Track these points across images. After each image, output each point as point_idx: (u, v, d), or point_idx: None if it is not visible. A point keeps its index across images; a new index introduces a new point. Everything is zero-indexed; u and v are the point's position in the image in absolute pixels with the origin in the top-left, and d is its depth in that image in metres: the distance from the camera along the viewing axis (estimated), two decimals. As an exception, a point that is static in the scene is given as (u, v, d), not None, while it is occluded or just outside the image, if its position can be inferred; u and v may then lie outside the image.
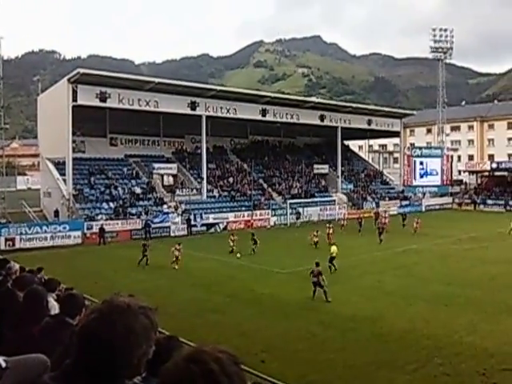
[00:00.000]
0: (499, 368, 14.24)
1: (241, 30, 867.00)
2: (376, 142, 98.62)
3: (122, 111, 49.37)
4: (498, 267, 28.25)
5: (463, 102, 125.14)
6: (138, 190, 50.19)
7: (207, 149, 56.27)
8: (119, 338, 1.63)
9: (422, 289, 23.94)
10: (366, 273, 27.76)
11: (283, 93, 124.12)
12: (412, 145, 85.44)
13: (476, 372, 13.98)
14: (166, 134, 60.06)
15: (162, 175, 53.82)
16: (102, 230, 41.48)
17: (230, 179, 58.87)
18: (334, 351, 15.78)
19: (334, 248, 29.39)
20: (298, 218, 53.33)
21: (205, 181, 53.58)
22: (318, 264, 23.05)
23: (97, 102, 46.37)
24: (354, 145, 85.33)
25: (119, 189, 49.59)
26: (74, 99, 45.14)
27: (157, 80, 50.37)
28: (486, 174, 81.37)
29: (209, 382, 1.34)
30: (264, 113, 58.35)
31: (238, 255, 32.05)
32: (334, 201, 59.44)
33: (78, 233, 41.20)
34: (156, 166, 53.52)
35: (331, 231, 39.24)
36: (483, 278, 25.70)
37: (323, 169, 67.09)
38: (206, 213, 49.50)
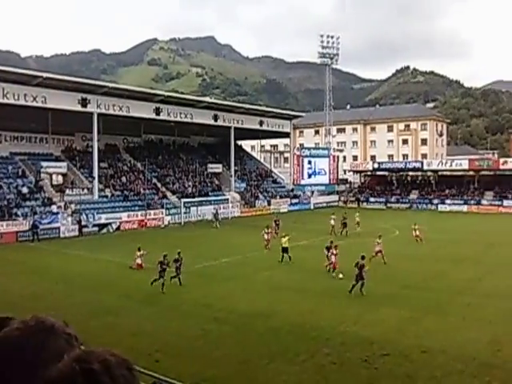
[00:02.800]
0: (380, 354, 15.11)
1: (135, 26, 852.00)
2: (268, 142, 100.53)
3: (7, 106, 46.43)
4: (378, 259, 29.66)
5: (348, 106, 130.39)
6: (24, 190, 47.59)
7: (99, 147, 54.60)
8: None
9: (312, 283, 24.77)
10: (259, 269, 28.24)
11: (177, 92, 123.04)
12: (301, 145, 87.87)
13: (360, 359, 14.73)
14: (54, 132, 56.92)
15: (51, 174, 51.42)
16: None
17: (123, 178, 57.62)
18: (228, 347, 15.97)
19: (284, 239, 30.56)
20: (216, 219, 50.93)
21: (96, 180, 52.00)
22: (363, 257, 23.51)
23: (-21, 97, 43.77)
24: (246, 145, 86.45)
25: (4, 188, 46.94)
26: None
27: (45, 75, 48.07)
28: (369, 173, 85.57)
29: (89, 382, 1.32)
30: (158, 111, 57.66)
31: (341, 276, 25.23)
32: (228, 199, 59.91)
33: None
34: (44, 164, 50.90)
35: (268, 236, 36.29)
36: (367, 271, 26.89)
37: (217, 168, 67.38)
38: (97, 213, 48.02)
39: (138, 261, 28.55)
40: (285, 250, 30.21)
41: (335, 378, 13.61)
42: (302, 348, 15.70)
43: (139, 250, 28.88)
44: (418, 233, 37.71)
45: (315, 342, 16.30)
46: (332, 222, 43.53)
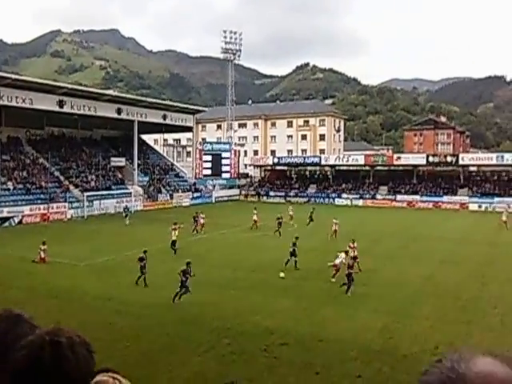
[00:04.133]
0: (278, 343, 15.51)
1: (37, 16, 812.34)
2: (170, 137, 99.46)
3: None
4: (278, 253, 30.38)
5: (250, 101, 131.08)
6: None
7: (1, 140, 52.04)
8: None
9: (213, 275, 24.87)
10: (161, 262, 28.10)
11: (81, 84, 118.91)
12: (204, 140, 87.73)
13: (259, 349, 15.02)
14: (-47, 124, 53.58)
15: None
16: None
17: (26, 171, 55.15)
18: (130, 339, 15.85)
19: (174, 232, 31.04)
20: (126, 216, 46.34)
21: (-3, 172, 49.49)
22: (297, 237, 27.05)
23: None
24: (149, 138, 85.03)
25: None
26: None
27: None
28: (269, 168, 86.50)
29: (55, 352, 1.46)
30: (61, 104, 55.49)
31: (282, 275, 24.58)
32: (131, 193, 58.96)
33: None
34: None
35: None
36: (265, 263, 27.64)
37: (120, 161, 65.92)
38: (-1, 206, 45.80)
39: (42, 254, 27.69)
40: (173, 243, 30.89)
41: (236, 367, 13.79)
42: (204, 339, 15.84)
43: (44, 243, 28.03)
44: (336, 227, 36.84)
45: (216, 332, 16.48)
46: (255, 217, 42.69)
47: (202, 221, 40.38)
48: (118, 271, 26.01)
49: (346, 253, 23.91)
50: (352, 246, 26.26)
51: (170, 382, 12.87)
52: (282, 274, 24.34)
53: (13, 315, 1.79)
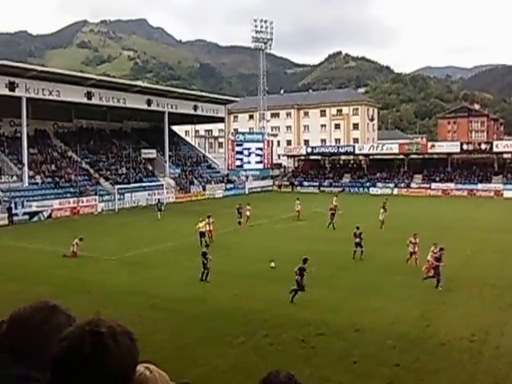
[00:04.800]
0: (315, 333, 15.61)
1: (63, 7, 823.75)
2: (202, 128, 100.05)
3: None
4: (314, 243, 30.34)
5: (282, 91, 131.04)
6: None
7: (28, 133, 52.72)
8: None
9: (246, 267, 25.02)
10: (192, 255, 28.16)
11: (109, 76, 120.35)
12: (236, 130, 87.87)
13: (296, 339, 15.15)
14: (-21, 117, 54.32)
15: (-23, 161, 49.36)
16: None
17: (54, 165, 55.97)
18: (165, 332, 16.01)
19: (201, 224, 31.14)
20: (159, 210, 45.19)
21: (26, 167, 50.20)
22: (358, 227, 26.98)
23: None
24: (180, 130, 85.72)
25: None
26: None
27: (-32, 57, 45.77)
28: (302, 157, 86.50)
29: (95, 342, 1.47)
30: (89, 96, 56.09)
31: (273, 264, 24.86)
32: (162, 185, 59.37)
33: None
34: (-30, 151, 48.59)
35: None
36: (301, 254, 27.37)
37: (151, 153, 66.54)
38: (28, 200, 46.46)
39: (74, 248, 27.90)
40: (202, 234, 30.84)
41: (273, 357, 13.87)
42: (240, 331, 15.95)
43: (81, 239, 28.17)
44: (383, 217, 36.45)
45: (252, 324, 16.58)
46: (298, 207, 42.62)
47: (248, 213, 39.59)
48: (150, 265, 26.19)
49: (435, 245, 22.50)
50: (414, 240, 25.04)
51: (208, 374, 12.94)
52: (272, 264, 24.60)
53: (48, 306, 1.86)
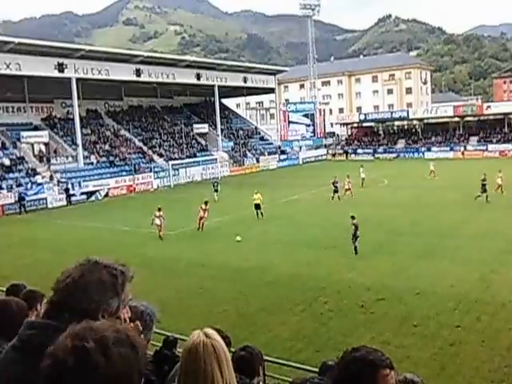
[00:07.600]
0: (375, 299, 15.87)
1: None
2: (253, 100, 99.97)
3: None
4: (370, 210, 30.23)
5: (332, 58, 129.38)
6: (6, 162, 46.78)
7: (80, 113, 53.98)
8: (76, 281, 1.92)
9: (304, 235, 25.38)
10: (252, 225, 28.65)
11: (156, 52, 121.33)
12: (287, 100, 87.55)
13: (356, 305, 15.45)
14: (32, 100, 55.62)
15: (32, 144, 50.85)
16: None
17: (108, 144, 57.33)
18: (226, 302, 16.46)
19: (256, 195, 31.28)
20: (216, 191, 41.29)
21: (80, 147, 51.59)
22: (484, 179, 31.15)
23: None
24: (231, 103, 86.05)
25: (-16, 161, 46.27)
26: None
27: (17, 40, 46.47)
28: (355, 125, 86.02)
29: (80, 359, 1.35)
30: (138, 73, 56.92)
31: (239, 238, 25.28)
32: (216, 159, 59.95)
33: None
34: (24, 134, 49.75)
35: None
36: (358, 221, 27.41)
37: (203, 128, 67.15)
38: (84, 180, 47.86)
39: (157, 221, 27.42)
40: (257, 206, 30.95)
41: (333, 324, 14.20)
42: (300, 298, 16.31)
43: (159, 209, 27.62)
44: (501, 182, 34.70)
45: (312, 291, 16.88)
46: (363, 174, 43.05)
47: (347, 186, 37.51)
48: (209, 238, 26.78)
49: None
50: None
51: (270, 341, 13.27)
52: (238, 238, 24.85)
53: (90, 262, 1.99)
